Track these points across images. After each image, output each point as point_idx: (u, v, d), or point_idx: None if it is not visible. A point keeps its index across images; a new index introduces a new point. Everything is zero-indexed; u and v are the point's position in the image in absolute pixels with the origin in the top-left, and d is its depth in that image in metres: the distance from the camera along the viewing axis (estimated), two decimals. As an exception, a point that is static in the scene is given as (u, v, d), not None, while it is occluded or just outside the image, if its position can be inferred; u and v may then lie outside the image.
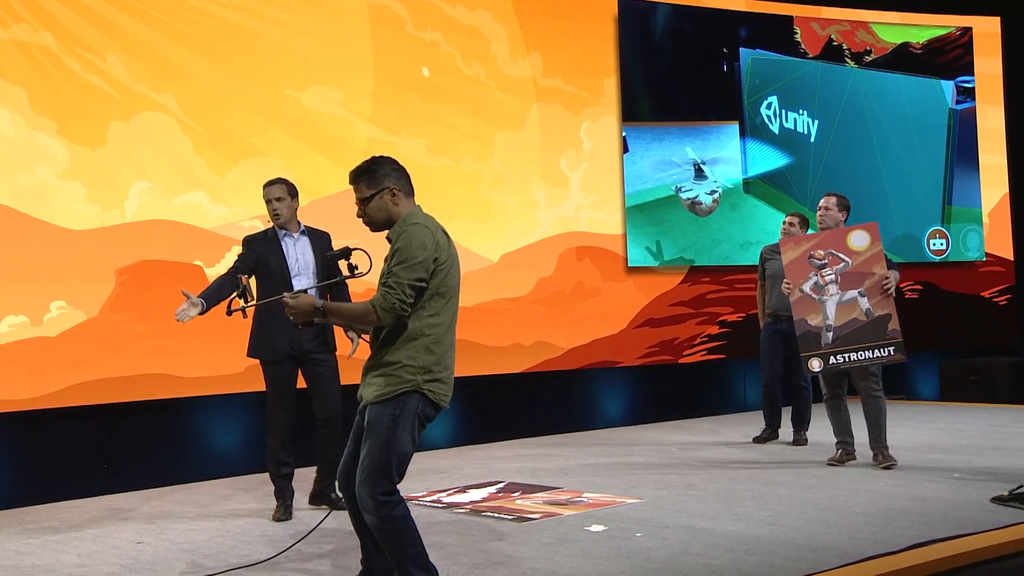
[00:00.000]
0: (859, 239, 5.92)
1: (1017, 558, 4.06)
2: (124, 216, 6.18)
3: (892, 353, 5.81)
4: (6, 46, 5.85)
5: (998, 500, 4.83)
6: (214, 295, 4.84)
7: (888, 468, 5.85)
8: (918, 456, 6.32)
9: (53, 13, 6.00)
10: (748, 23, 9.22)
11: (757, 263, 7.29)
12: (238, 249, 6.27)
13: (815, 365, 5.89)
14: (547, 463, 6.54)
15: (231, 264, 5.24)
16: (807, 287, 5.93)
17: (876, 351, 5.81)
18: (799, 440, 7.01)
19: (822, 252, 5.93)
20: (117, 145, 6.17)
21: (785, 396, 7.18)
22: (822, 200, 6.22)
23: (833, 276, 5.89)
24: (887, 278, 5.83)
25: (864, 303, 5.84)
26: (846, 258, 5.90)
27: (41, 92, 5.93)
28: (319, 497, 5.23)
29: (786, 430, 7.16)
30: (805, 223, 6.98)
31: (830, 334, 5.86)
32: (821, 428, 7.18)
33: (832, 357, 5.85)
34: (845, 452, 6.12)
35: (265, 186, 5.17)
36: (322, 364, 5.14)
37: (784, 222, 7.04)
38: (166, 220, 6.32)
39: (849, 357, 5.83)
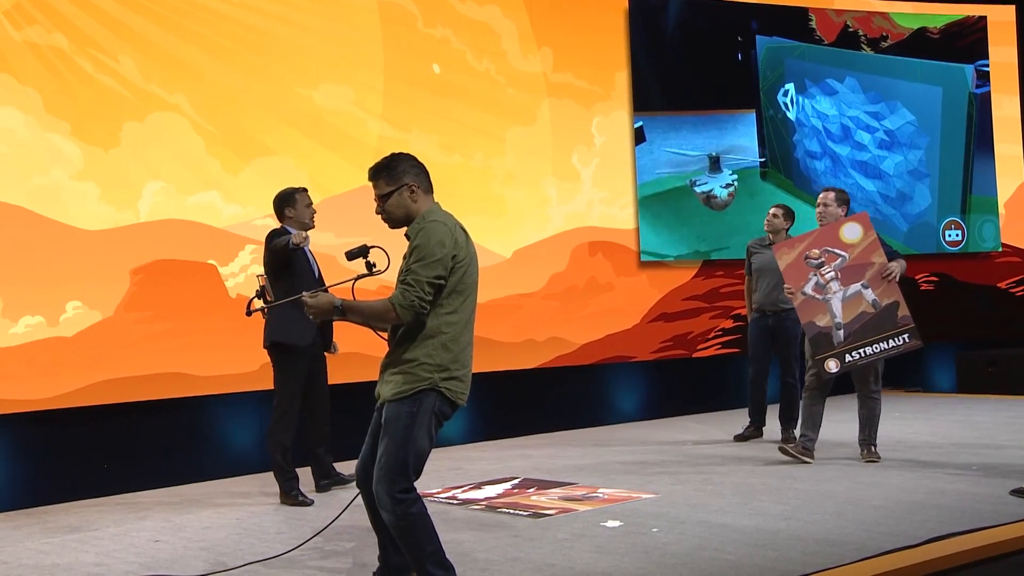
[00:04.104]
0: (851, 231, 5.78)
1: (1037, 551, 4.04)
2: (138, 216, 6.20)
3: (908, 340, 5.66)
4: (20, 48, 5.87)
5: (1017, 493, 4.80)
6: None
7: (871, 462, 5.79)
8: (936, 449, 6.29)
9: (66, 15, 6.02)
10: (760, 14, 9.17)
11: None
12: (252, 247, 6.37)
13: (832, 366, 5.70)
14: (562, 459, 6.54)
15: (250, 264, 5.49)
16: (808, 288, 5.78)
17: (891, 341, 5.65)
18: (787, 438, 6.56)
19: (817, 251, 5.78)
20: (130, 145, 6.19)
21: (772, 393, 6.93)
22: (820, 195, 6.07)
23: (833, 273, 5.74)
24: (887, 265, 5.69)
25: (869, 294, 5.69)
26: (842, 252, 5.75)
27: (55, 93, 5.95)
28: (324, 476, 5.54)
29: (773, 426, 6.85)
30: (790, 214, 6.87)
31: (841, 332, 5.69)
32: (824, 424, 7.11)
33: (848, 355, 5.68)
34: (805, 448, 5.88)
35: (301, 192, 5.41)
36: (321, 361, 5.52)
37: (768, 213, 6.91)
38: (180, 219, 6.33)
39: (865, 352, 5.67)
